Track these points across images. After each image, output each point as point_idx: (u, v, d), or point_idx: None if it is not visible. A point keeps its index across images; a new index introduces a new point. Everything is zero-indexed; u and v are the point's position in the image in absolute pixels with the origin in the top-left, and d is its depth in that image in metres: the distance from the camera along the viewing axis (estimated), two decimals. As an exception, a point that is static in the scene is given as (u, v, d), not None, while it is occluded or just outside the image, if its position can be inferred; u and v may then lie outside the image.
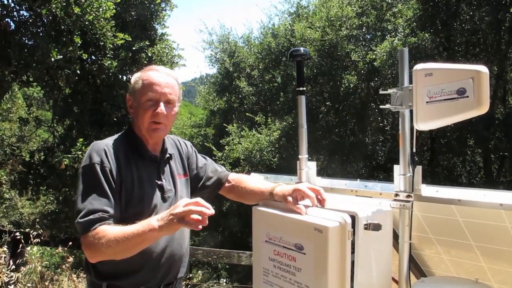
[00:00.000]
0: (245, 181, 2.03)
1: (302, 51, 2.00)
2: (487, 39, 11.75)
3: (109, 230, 1.58)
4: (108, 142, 1.78)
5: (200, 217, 1.46)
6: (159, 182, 1.82)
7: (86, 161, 1.71)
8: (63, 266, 5.45)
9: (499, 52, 11.63)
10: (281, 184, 1.85)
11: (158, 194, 1.80)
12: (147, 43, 6.97)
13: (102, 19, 5.73)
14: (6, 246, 4.99)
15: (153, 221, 1.52)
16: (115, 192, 1.68)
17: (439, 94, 1.49)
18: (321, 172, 2.11)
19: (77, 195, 1.70)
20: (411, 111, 1.63)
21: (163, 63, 7.11)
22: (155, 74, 1.80)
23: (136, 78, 1.83)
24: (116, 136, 1.86)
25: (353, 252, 1.54)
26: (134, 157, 1.79)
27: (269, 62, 15.88)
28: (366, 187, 1.97)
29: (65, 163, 5.97)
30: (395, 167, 1.74)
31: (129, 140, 1.83)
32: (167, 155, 1.91)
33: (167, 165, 1.90)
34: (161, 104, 1.76)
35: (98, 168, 1.67)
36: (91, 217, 1.60)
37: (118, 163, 1.72)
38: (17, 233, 4.96)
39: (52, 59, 5.19)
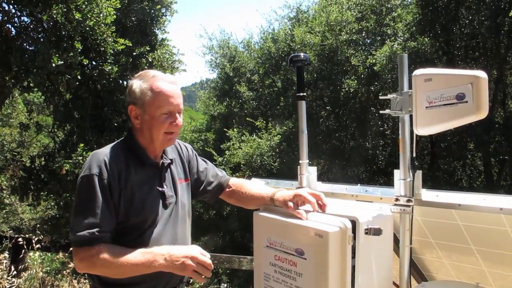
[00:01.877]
0: (246, 186, 2.03)
1: (302, 56, 2.01)
2: (486, 43, 11.78)
3: (107, 252, 1.61)
4: (108, 152, 1.75)
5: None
6: (161, 189, 1.81)
7: (86, 172, 1.70)
8: (64, 272, 5.46)
9: (499, 56, 11.66)
10: (281, 189, 1.85)
11: (159, 201, 1.80)
12: (148, 48, 6.99)
13: (102, 25, 5.75)
14: (7, 252, 4.99)
15: (160, 258, 1.61)
16: (111, 205, 1.67)
17: (439, 99, 1.50)
18: (321, 177, 2.12)
19: (74, 205, 1.70)
20: (411, 116, 1.64)
21: (163, 68, 7.14)
22: (164, 84, 1.76)
23: (142, 88, 1.76)
24: (115, 144, 1.84)
25: (353, 257, 1.55)
26: (134, 165, 1.78)
27: (269, 66, 15.92)
28: (367, 192, 1.98)
29: (66, 168, 5.98)
30: (395, 171, 1.75)
31: (130, 148, 1.82)
32: (168, 161, 1.91)
33: (168, 170, 1.90)
34: (177, 115, 1.78)
35: (96, 180, 1.67)
36: (86, 233, 1.61)
37: (118, 173, 1.71)
38: (19, 239, 4.96)
39: (53, 65, 5.21)
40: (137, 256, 1.59)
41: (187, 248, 1.64)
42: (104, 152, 1.75)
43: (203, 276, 1.64)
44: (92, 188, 1.66)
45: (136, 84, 1.78)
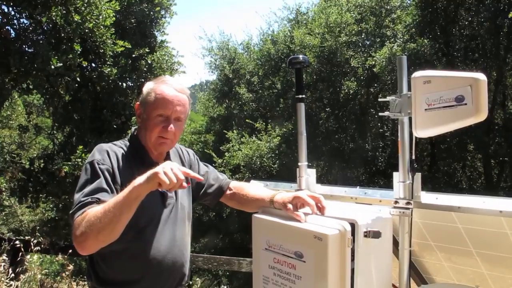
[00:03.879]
0: (246, 188, 2.03)
1: (301, 58, 2.00)
2: (485, 45, 11.79)
3: (95, 207, 1.55)
4: (112, 145, 1.80)
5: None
6: (160, 189, 1.81)
7: (89, 159, 1.73)
8: (63, 274, 5.44)
9: (498, 58, 11.66)
10: (281, 192, 1.84)
11: (158, 200, 1.80)
12: (147, 50, 6.99)
13: (102, 27, 5.75)
14: (5, 254, 4.98)
15: (137, 180, 1.51)
16: (112, 188, 1.67)
17: (438, 102, 1.50)
18: (321, 178, 2.11)
19: (76, 189, 1.70)
20: (410, 118, 1.63)
21: (162, 70, 7.14)
22: (169, 89, 1.78)
23: (148, 89, 1.82)
24: (120, 141, 1.87)
25: (353, 259, 1.54)
26: (136, 164, 1.79)
27: (269, 68, 15.92)
28: (366, 194, 1.97)
29: (65, 170, 5.97)
30: (395, 174, 1.74)
31: (133, 147, 1.84)
32: None
33: None
34: (172, 121, 1.77)
35: (97, 165, 1.68)
36: (79, 205, 1.59)
37: (118, 165, 1.73)
38: (17, 241, 4.95)
39: (52, 67, 5.21)
40: (119, 195, 1.54)
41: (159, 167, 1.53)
42: (109, 145, 1.80)
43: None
44: (93, 172, 1.67)
45: (147, 84, 1.85)
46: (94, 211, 1.54)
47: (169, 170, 1.49)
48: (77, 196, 1.63)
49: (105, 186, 1.65)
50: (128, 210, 1.53)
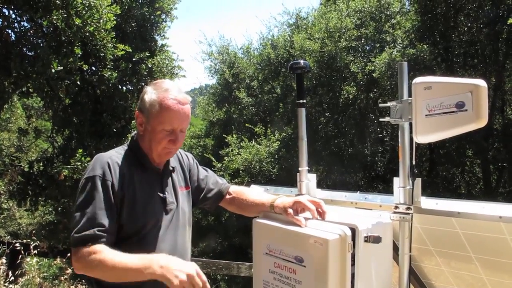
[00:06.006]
0: (246, 193, 2.03)
1: (302, 63, 2.01)
2: (485, 51, 11.82)
3: (105, 253, 1.57)
4: (112, 155, 1.77)
5: None
6: (162, 195, 1.82)
7: (89, 173, 1.70)
8: (62, 278, 5.43)
9: (497, 63, 11.69)
10: (281, 196, 1.85)
11: (160, 207, 1.80)
12: (147, 54, 7.00)
13: (102, 30, 5.76)
14: (4, 258, 4.97)
15: (156, 264, 1.49)
16: (113, 207, 1.67)
17: (438, 108, 1.51)
18: (320, 183, 2.12)
19: (75, 205, 1.69)
20: (410, 124, 1.64)
21: (163, 74, 7.15)
22: (173, 104, 1.74)
23: (152, 99, 1.76)
24: (119, 148, 1.86)
25: (353, 264, 1.54)
26: (137, 171, 1.79)
27: (269, 73, 15.94)
28: (366, 199, 1.97)
29: (64, 174, 5.96)
30: (395, 179, 1.75)
31: (134, 154, 1.83)
32: (170, 168, 1.91)
33: (169, 178, 1.90)
34: (178, 134, 1.77)
35: (99, 181, 1.67)
36: (86, 232, 1.60)
37: (120, 176, 1.72)
38: (16, 244, 4.95)
39: (53, 70, 5.21)
40: (134, 260, 1.54)
41: (186, 263, 1.53)
42: (108, 155, 1.77)
43: None
44: (94, 189, 1.66)
45: (149, 93, 1.78)
46: (100, 258, 1.56)
47: (184, 276, 1.44)
48: (78, 217, 1.63)
49: (107, 208, 1.65)
50: (134, 279, 1.55)
